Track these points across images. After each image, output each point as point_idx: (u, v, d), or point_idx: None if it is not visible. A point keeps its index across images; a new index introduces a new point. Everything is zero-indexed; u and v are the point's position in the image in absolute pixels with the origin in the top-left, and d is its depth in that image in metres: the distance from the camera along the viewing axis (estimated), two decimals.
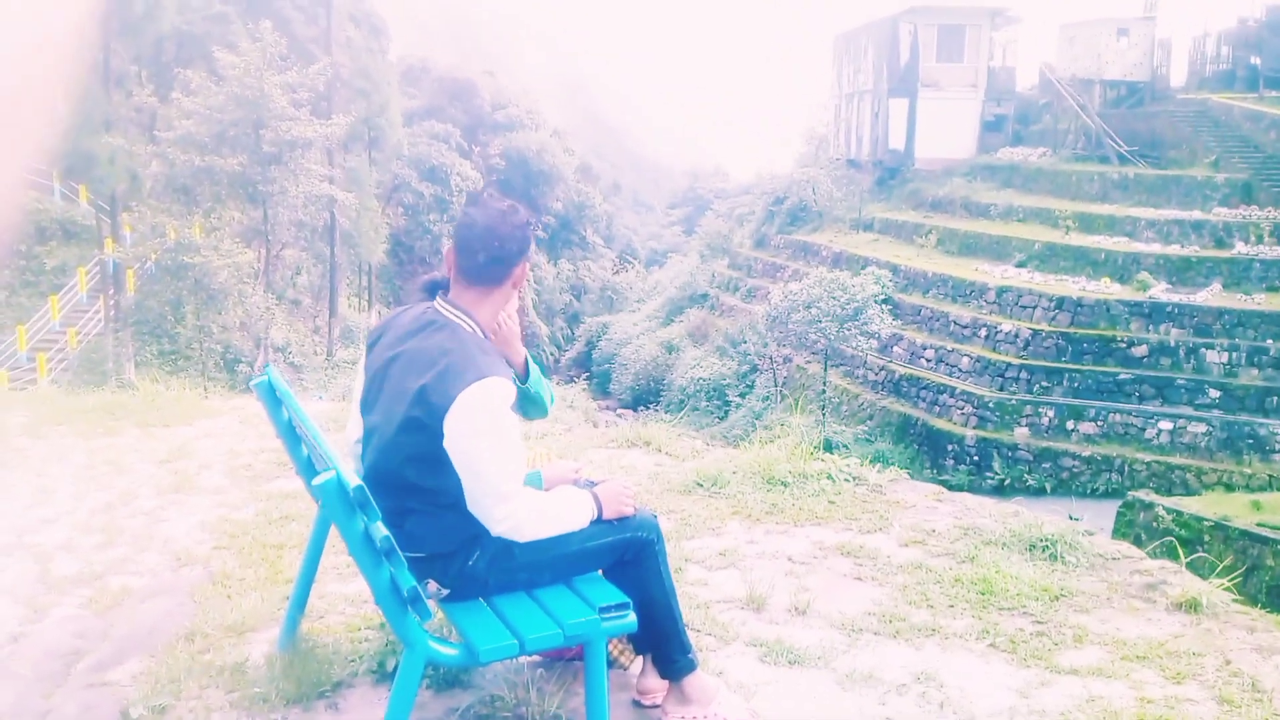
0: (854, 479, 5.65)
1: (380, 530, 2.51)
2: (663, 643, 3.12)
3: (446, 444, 2.79)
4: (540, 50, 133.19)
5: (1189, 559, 4.44)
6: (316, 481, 2.52)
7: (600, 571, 3.09)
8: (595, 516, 2.99)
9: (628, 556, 3.03)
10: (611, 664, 3.32)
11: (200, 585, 4.24)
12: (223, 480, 5.70)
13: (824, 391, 32.45)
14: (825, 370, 33.18)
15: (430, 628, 2.83)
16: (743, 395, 37.30)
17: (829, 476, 5.60)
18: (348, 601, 4.11)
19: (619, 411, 40.17)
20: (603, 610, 2.81)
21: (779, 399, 34.72)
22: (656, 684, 3.22)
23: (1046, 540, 4.69)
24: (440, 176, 47.40)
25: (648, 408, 39.68)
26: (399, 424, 2.84)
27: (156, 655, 3.60)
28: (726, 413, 35.69)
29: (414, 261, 48.96)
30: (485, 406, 2.77)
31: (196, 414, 7.27)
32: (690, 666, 3.14)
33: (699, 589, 4.23)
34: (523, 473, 2.89)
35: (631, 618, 2.85)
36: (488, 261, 2.98)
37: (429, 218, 47.39)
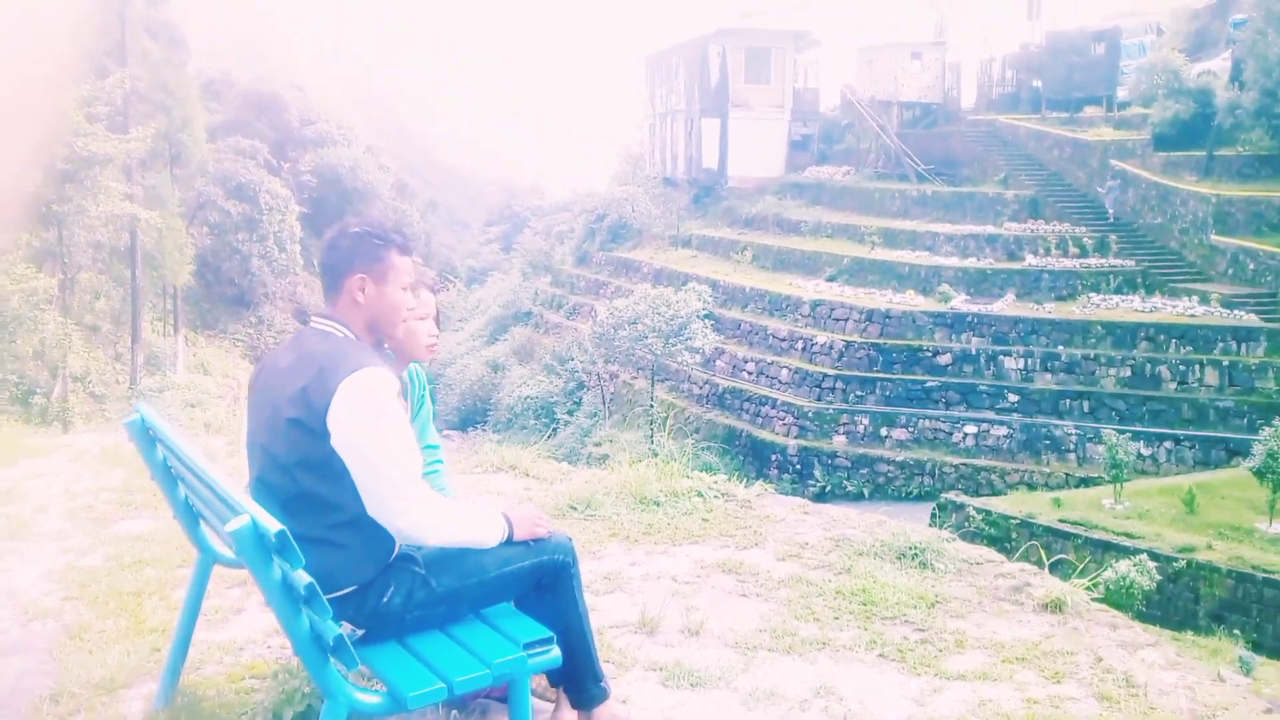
0: (723, 495, 5.74)
1: (303, 578, 2.39)
2: (577, 672, 3.07)
3: (334, 442, 2.70)
4: (348, 65, 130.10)
5: (1051, 560, 4.69)
6: (230, 528, 2.38)
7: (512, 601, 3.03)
8: (507, 536, 2.92)
9: (545, 581, 2.99)
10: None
11: (57, 640, 3.93)
12: (63, 524, 5.31)
13: (651, 407, 32.83)
14: (652, 385, 33.57)
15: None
16: (570, 412, 37.33)
17: (699, 494, 5.68)
18: (223, 649, 3.89)
19: (446, 433, 39.51)
20: (527, 646, 2.75)
21: (607, 415, 34.93)
22: (570, 717, 3.18)
23: (915, 548, 4.88)
24: (248, 194, 45.55)
25: (476, 428, 39.22)
26: (284, 429, 2.75)
27: None
28: (555, 430, 35.62)
29: (222, 283, 46.90)
30: (367, 395, 2.71)
31: (19, 453, 6.75)
32: (603, 696, 3.11)
33: (590, 614, 4.19)
34: (419, 464, 2.80)
35: (556, 652, 2.80)
36: (321, 271, 3.03)
37: (237, 237, 45.48)
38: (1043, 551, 5.10)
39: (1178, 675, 3.75)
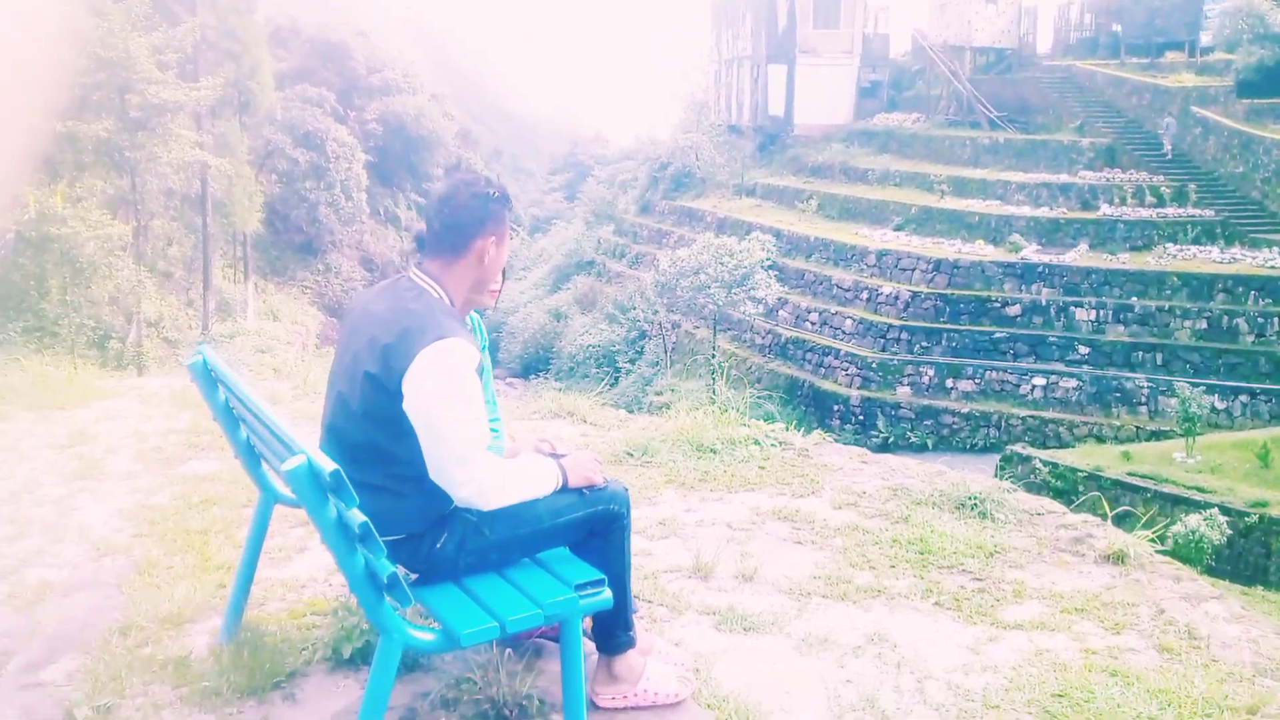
0: (780, 444, 5.71)
1: (358, 516, 2.42)
2: (611, 618, 3.07)
3: (405, 405, 2.73)
4: (410, 10, 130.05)
5: (1116, 512, 4.60)
6: (286, 467, 2.40)
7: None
8: (561, 485, 2.94)
9: (597, 529, 3.00)
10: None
11: (126, 576, 4.05)
12: (132, 464, 5.45)
13: (713, 356, 32.77)
14: (714, 335, 33.49)
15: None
16: (632, 361, 37.42)
17: (756, 442, 5.65)
18: (285, 587, 3.98)
19: (509, 380, 39.88)
20: (579, 587, 2.77)
21: (668, 364, 34.96)
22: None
23: (974, 499, 4.82)
24: (315, 142, 45.93)
25: (537, 376, 39.52)
26: (360, 381, 2.79)
27: (91, 652, 3.43)
28: (617, 379, 35.76)
29: (290, 230, 47.52)
30: (446, 366, 2.72)
31: (91, 395, 6.94)
32: (629, 644, 3.12)
33: (644, 559, 4.22)
34: (486, 438, 2.81)
35: (607, 594, 2.81)
36: (442, 230, 2.95)
37: (305, 185, 45.95)
38: (1106, 503, 5.01)
39: (1241, 629, 3.67)
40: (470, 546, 2.82)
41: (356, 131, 51.47)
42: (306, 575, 4.09)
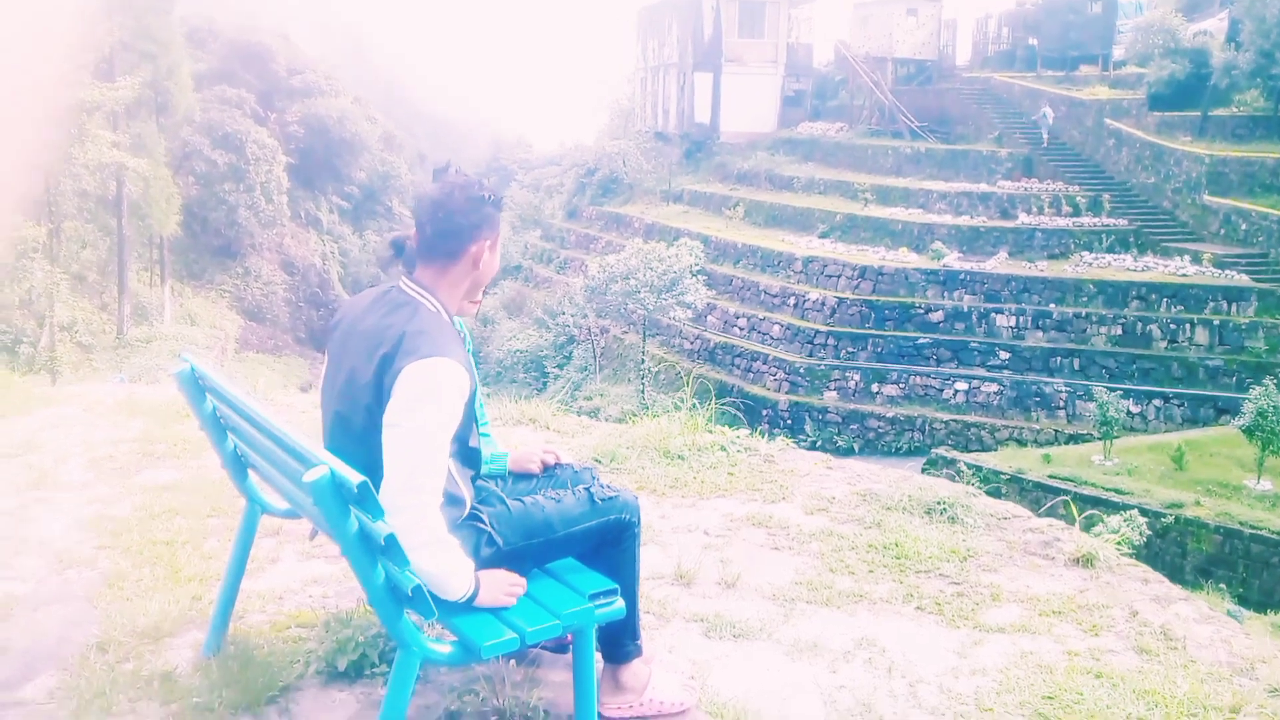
0: (746, 450, 5.75)
1: (383, 528, 2.38)
2: (619, 627, 3.06)
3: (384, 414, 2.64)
4: (328, 14, 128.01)
5: (1084, 516, 4.72)
6: (308, 478, 2.36)
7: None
8: (470, 594, 2.67)
9: (608, 538, 2.99)
10: None
11: (95, 589, 3.92)
12: (86, 474, 5.27)
13: (643, 361, 32.86)
14: (644, 340, 33.58)
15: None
16: (560, 366, 37.38)
17: (722, 448, 5.68)
18: (263, 599, 3.89)
19: None
20: (593, 597, 2.76)
21: (597, 369, 34.96)
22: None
23: (943, 503, 4.91)
24: (235, 144, 45.05)
25: None
26: (361, 398, 2.70)
27: (70, 669, 3.32)
28: (545, 384, 35.68)
29: (208, 233, 46.53)
30: (429, 385, 2.60)
31: (32, 403, 6.69)
32: (636, 653, 3.11)
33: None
34: (441, 476, 2.65)
35: (620, 603, 2.81)
36: (435, 236, 2.83)
37: (223, 187, 45.05)
38: (1074, 507, 5.15)
39: (1212, 629, 3.80)
40: (484, 557, 2.79)
41: (277, 134, 50.62)
42: (283, 587, 4.01)
